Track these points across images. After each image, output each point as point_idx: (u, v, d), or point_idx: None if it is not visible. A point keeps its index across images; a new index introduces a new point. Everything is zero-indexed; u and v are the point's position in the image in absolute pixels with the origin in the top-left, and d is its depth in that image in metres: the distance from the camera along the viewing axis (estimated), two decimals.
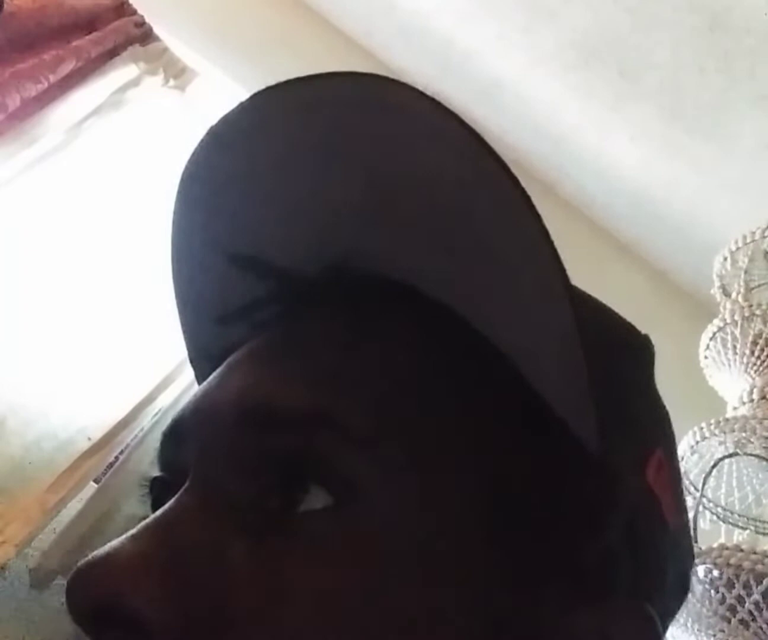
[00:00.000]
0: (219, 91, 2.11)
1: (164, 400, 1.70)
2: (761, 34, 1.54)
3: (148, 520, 0.28)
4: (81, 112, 1.79)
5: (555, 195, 2.15)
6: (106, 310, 1.71)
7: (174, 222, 0.37)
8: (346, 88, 0.30)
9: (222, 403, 0.31)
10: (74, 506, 1.52)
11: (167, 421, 0.33)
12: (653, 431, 0.35)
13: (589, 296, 0.37)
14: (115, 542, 0.27)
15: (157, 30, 2.03)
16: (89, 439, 1.56)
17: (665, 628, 0.34)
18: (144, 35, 1.98)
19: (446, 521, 0.29)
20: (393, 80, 0.29)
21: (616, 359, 0.34)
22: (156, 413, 1.69)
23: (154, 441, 0.32)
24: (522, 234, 0.29)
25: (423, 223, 0.31)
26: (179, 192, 0.36)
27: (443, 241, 0.31)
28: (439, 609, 0.28)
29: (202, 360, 0.39)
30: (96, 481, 1.58)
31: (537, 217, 0.28)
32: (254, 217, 0.35)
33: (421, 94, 0.29)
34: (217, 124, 0.33)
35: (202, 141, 0.34)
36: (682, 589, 0.36)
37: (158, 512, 0.29)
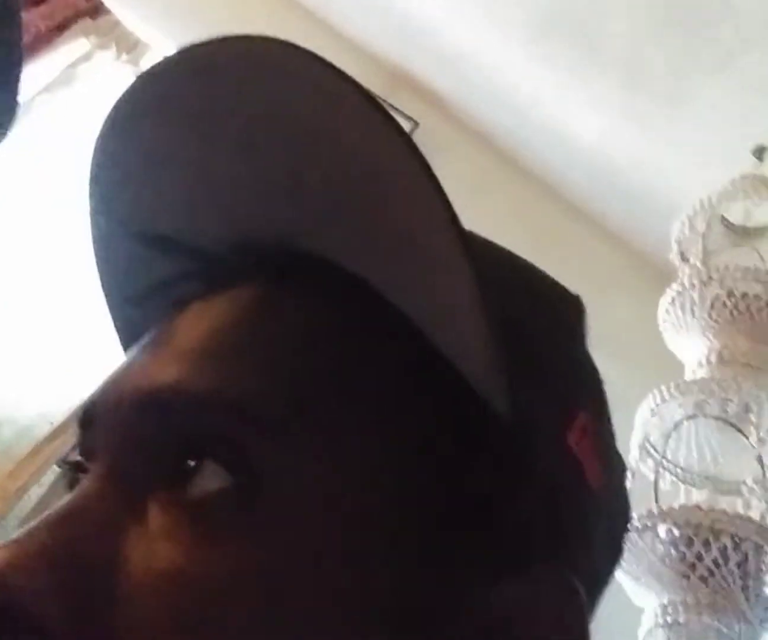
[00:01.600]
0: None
1: None
2: (715, 2, 1.56)
3: (55, 506, 0.28)
4: (32, 89, 1.74)
5: (517, 165, 2.16)
6: (65, 294, 1.68)
7: (89, 205, 0.36)
8: (244, 54, 0.30)
9: (125, 388, 0.30)
10: (36, 492, 1.50)
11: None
12: (577, 393, 0.34)
13: (516, 258, 0.36)
14: (11, 539, 0.27)
15: (108, 3, 1.98)
16: (51, 423, 1.54)
17: (598, 593, 0.34)
18: (94, 8, 1.94)
19: (356, 503, 0.28)
20: (289, 44, 0.29)
21: (537, 320, 0.33)
22: None
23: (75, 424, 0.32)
24: (418, 197, 0.28)
25: (327, 193, 0.31)
26: (90, 173, 0.35)
27: (347, 210, 0.30)
28: (346, 593, 0.28)
29: (127, 344, 0.38)
30: (58, 465, 1.56)
31: (432, 177, 0.27)
32: (159, 195, 0.34)
33: (321, 60, 0.28)
34: (118, 102, 0.32)
35: (107, 119, 0.33)
36: (612, 552, 0.36)
37: (65, 500, 0.29)
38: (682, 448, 1.53)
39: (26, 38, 1.72)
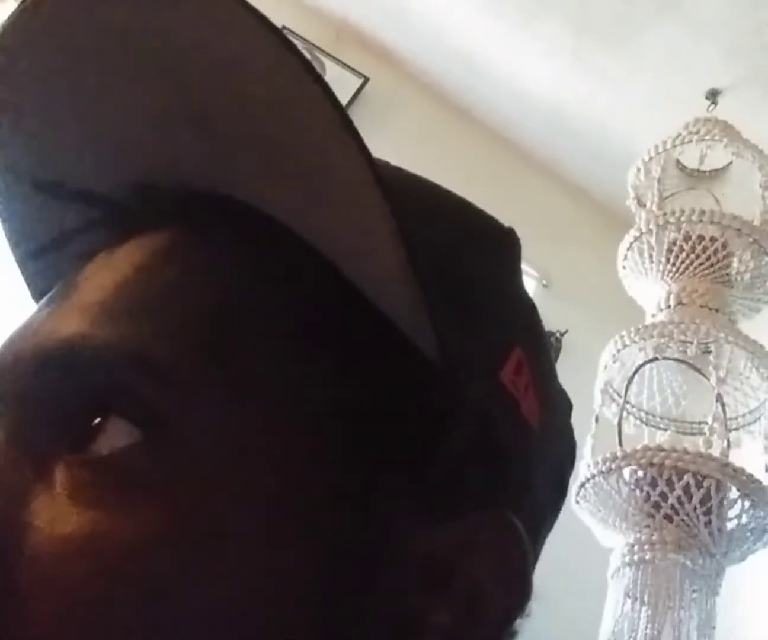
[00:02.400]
0: None
1: None
2: None
3: None
4: None
5: (470, 117, 2.15)
6: None
7: None
8: None
9: (25, 345, 0.29)
10: None
11: None
12: (510, 329, 0.33)
13: (446, 192, 0.35)
14: None
15: None
16: None
17: (542, 533, 0.34)
18: None
19: (271, 448, 0.27)
20: None
21: (468, 254, 0.32)
22: None
23: None
24: (324, 127, 0.27)
25: (229, 127, 0.29)
26: None
27: (251, 144, 0.29)
28: (268, 543, 0.27)
29: (36, 300, 0.36)
30: None
31: (339, 108, 0.26)
32: (53, 137, 0.32)
33: None
34: (1, 36, 0.30)
35: None
36: (557, 491, 0.35)
37: None
38: (644, 391, 1.56)
39: None
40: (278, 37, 0.26)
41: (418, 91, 2.11)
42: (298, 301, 0.29)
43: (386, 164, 0.31)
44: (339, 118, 0.26)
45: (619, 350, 1.53)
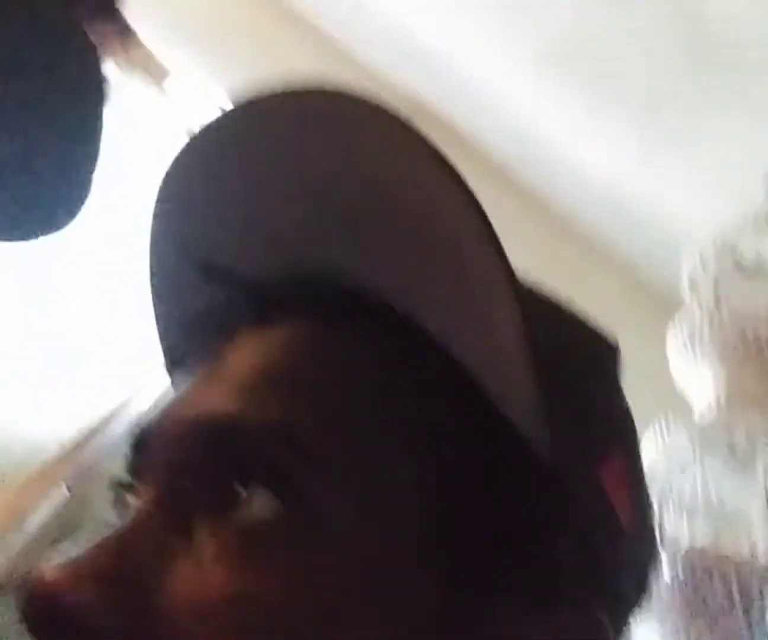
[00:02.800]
0: (219, 106, 2.11)
1: (138, 406, 1.70)
2: (730, 44, 1.56)
3: (108, 532, 0.30)
4: None
5: (529, 198, 2.16)
6: (75, 313, 1.70)
7: (151, 230, 0.39)
8: (310, 103, 0.32)
9: (182, 416, 0.32)
10: (44, 512, 1.52)
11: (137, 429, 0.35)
12: (611, 436, 0.35)
13: (555, 298, 0.37)
14: (70, 558, 0.29)
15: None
16: (60, 443, 1.56)
17: (622, 630, 0.35)
18: (130, 41, 1.98)
19: (392, 540, 0.30)
20: (348, 94, 0.31)
21: (576, 363, 0.35)
22: (129, 419, 1.69)
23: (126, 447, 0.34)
24: (472, 243, 0.30)
25: (382, 232, 0.32)
26: (156, 201, 0.38)
27: (401, 255, 0.32)
28: (386, 617, 0.29)
29: (176, 369, 0.40)
30: (67, 485, 1.58)
31: (485, 220, 0.29)
32: (224, 227, 0.36)
33: (382, 109, 0.30)
34: (193, 137, 0.35)
35: (177, 155, 0.36)
36: (639, 589, 0.36)
37: (113, 527, 0.30)
38: (688, 486, 1.52)
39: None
40: (440, 162, 0.29)
41: (482, 171, 2.12)
42: (429, 401, 0.32)
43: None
44: (490, 239, 0.29)
45: (665, 442, 1.50)
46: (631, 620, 0.36)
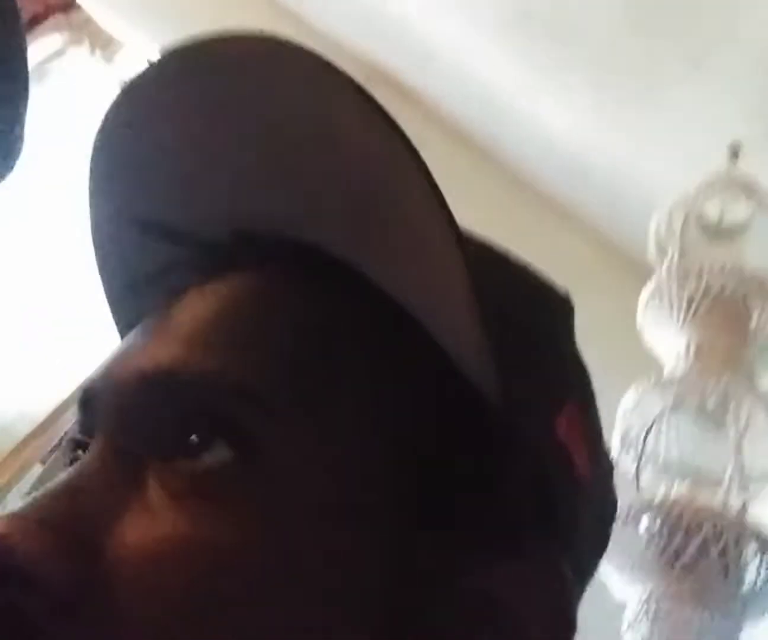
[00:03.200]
0: (147, 59, 2.05)
1: None
2: (694, 11, 1.59)
3: (55, 481, 0.30)
4: None
5: (490, 159, 2.17)
6: (46, 293, 1.66)
7: (89, 182, 0.38)
8: (242, 49, 0.31)
9: (127, 368, 0.32)
10: (20, 490, 1.49)
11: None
12: (566, 385, 0.35)
13: (509, 256, 0.38)
14: (14, 510, 0.28)
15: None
16: (33, 422, 1.53)
17: (584, 581, 0.36)
18: (65, 5, 1.90)
19: (351, 475, 0.30)
20: (290, 43, 0.30)
21: (529, 314, 0.35)
22: None
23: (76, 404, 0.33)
24: (415, 194, 0.30)
25: (325, 188, 0.32)
26: (90, 163, 0.37)
27: (344, 205, 0.32)
28: (344, 557, 0.29)
29: (125, 330, 0.39)
30: (42, 462, 1.55)
31: (429, 176, 0.29)
32: (159, 183, 0.36)
33: (317, 57, 0.30)
34: (119, 95, 0.34)
35: (107, 112, 0.35)
36: (600, 542, 0.37)
37: (64, 475, 0.30)
38: (663, 442, 1.57)
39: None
40: (377, 110, 0.30)
41: (441, 133, 2.13)
42: (377, 345, 0.32)
43: (465, 230, 0.34)
44: (432, 190, 0.29)
45: (638, 399, 1.54)
46: (593, 572, 0.37)
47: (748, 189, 1.57)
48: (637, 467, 1.55)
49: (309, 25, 2.13)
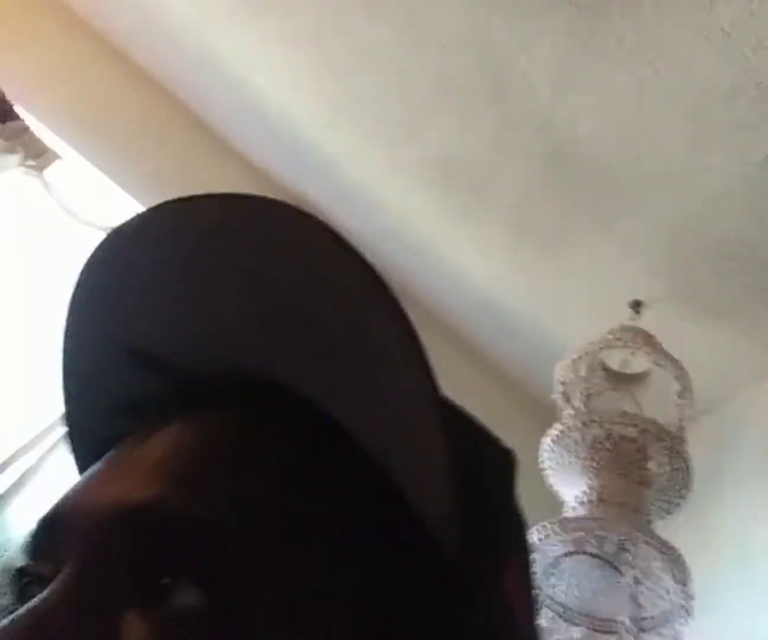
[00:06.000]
0: (79, 175, 2.08)
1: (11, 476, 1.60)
2: (601, 168, 1.71)
3: (20, 610, 0.28)
4: None
5: (410, 300, 2.23)
6: None
7: (70, 310, 0.38)
8: (233, 208, 0.33)
9: (102, 501, 0.31)
10: None
11: (37, 507, 0.34)
12: (513, 541, 0.37)
13: (457, 406, 0.39)
14: None
15: (19, 109, 1.99)
16: None
17: None
18: (4, 112, 1.93)
19: (316, 634, 0.30)
20: (275, 201, 0.32)
21: (481, 470, 0.36)
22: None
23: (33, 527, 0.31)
24: (403, 360, 0.31)
25: (304, 332, 0.33)
26: (79, 283, 0.37)
27: (328, 359, 0.33)
28: None
29: (82, 444, 0.40)
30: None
31: (412, 330, 0.31)
32: (151, 316, 0.37)
33: (299, 211, 0.32)
34: (121, 226, 0.36)
35: (105, 239, 0.36)
36: None
37: (31, 604, 0.29)
38: (562, 584, 1.57)
39: None
40: (370, 271, 0.31)
41: None
42: (347, 494, 0.33)
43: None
44: (421, 360, 0.31)
45: (539, 540, 1.54)
46: None
47: (648, 341, 1.65)
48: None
49: (242, 156, 2.21)
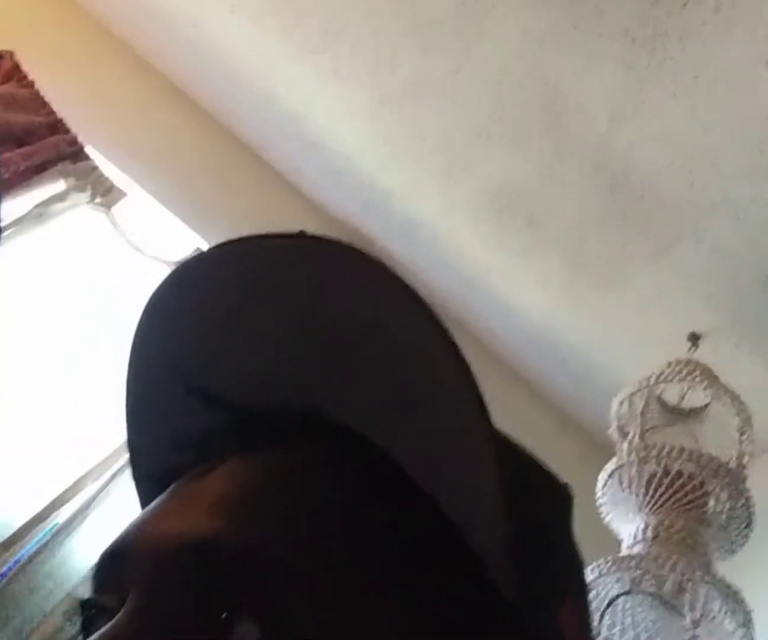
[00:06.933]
0: (144, 212, 2.15)
1: (59, 517, 1.65)
2: (658, 198, 1.69)
3: None
4: (4, 222, 1.79)
5: (464, 332, 2.23)
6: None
7: (134, 346, 0.39)
8: (291, 249, 0.34)
9: (165, 534, 0.32)
10: None
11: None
12: (569, 579, 0.37)
13: (515, 441, 0.39)
14: None
15: (89, 149, 2.07)
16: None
17: None
18: (75, 153, 2.02)
19: None
20: (336, 242, 0.32)
21: (539, 507, 0.36)
22: (51, 528, 1.64)
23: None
24: (454, 388, 0.32)
25: (360, 372, 0.34)
26: (144, 319, 0.39)
27: (383, 397, 0.33)
28: None
29: (144, 478, 0.41)
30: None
31: (468, 371, 0.31)
32: (210, 354, 0.38)
33: (359, 251, 0.32)
34: (184, 264, 0.37)
35: (167, 277, 0.37)
36: None
37: (96, 635, 0.30)
38: (617, 625, 1.53)
39: (4, 175, 1.79)
40: (427, 313, 0.31)
41: None
42: (404, 530, 0.33)
43: None
44: (475, 396, 0.31)
45: (594, 579, 1.51)
46: None
47: (706, 375, 1.61)
48: None
49: (303, 194, 2.26)
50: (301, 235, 0.33)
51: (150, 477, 0.40)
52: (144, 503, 0.38)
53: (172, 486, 0.36)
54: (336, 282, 0.33)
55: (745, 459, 1.53)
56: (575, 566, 0.38)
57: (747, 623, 1.41)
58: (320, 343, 0.34)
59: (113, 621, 0.31)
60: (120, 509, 1.71)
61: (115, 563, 0.33)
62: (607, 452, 1.65)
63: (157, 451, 0.40)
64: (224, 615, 0.29)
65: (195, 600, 0.30)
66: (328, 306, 0.33)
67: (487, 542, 0.31)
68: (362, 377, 0.34)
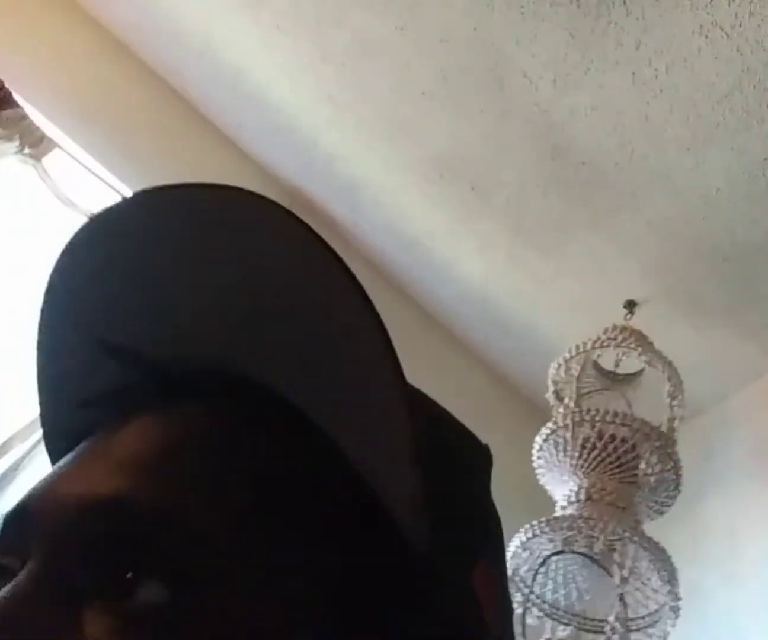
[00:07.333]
0: (75, 165, 2.08)
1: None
2: (598, 167, 1.71)
3: None
4: None
5: (405, 295, 2.23)
6: None
7: (46, 301, 0.38)
8: (212, 198, 0.33)
9: (68, 494, 0.31)
10: None
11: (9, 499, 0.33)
12: (483, 540, 0.37)
13: (433, 402, 0.39)
14: None
15: (18, 97, 1.99)
16: None
17: None
18: (2, 100, 1.93)
19: (284, 632, 0.30)
20: (264, 199, 0.31)
21: (454, 467, 0.36)
22: None
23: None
24: (369, 349, 0.31)
25: (269, 323, 0.33)
26: (55, 273, 0.37)
27: (295, 350, 0.33)
28: None
29: (56, 437, 0.39)
30: None
31: (383, 330, 0.31)
32: (128, 309, 0.36)
33: (289, 213, 0.31)
34: (99, 215, 0.35)
35: (82, 228, 0.36)
36: None
37: None
38: (550, 583, 1.57)
39: None
40: (337, 262, 0.31)
41: (359, 264, 2.20)
42: (316, 486, 0.33)
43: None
44: (388, 349, 0.31)
45: (528, 539, 1.54)
46: None
47: (641, 342, 1.64)
48: (524, 610, 1.53)
49: (243, 150, 2.21)
50: (228, 187, 0.32)
51: (60, 435, 0.39)
52: (54, 462, 0.37)
53: (80, 445, 0.34)
54: (260, 238, 0.32)
55: (676, 423, 1.58)
56: (491, 528, 0.38)
57: (673, 580, 1.46)
58: (240, 299, 0.34)
59: (12, 582, 0.30)
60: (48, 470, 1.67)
61: (18, 523, 0.32)
62: (545, 416, 1.68)
63: (68, 409, 0.39)
64: (129, 575, 0.29)
65: (94, 561, 0.29)
66: (249, 262, 0.33)
67: (395, 490, 0.31)
68: (271, 328, 0.33)
